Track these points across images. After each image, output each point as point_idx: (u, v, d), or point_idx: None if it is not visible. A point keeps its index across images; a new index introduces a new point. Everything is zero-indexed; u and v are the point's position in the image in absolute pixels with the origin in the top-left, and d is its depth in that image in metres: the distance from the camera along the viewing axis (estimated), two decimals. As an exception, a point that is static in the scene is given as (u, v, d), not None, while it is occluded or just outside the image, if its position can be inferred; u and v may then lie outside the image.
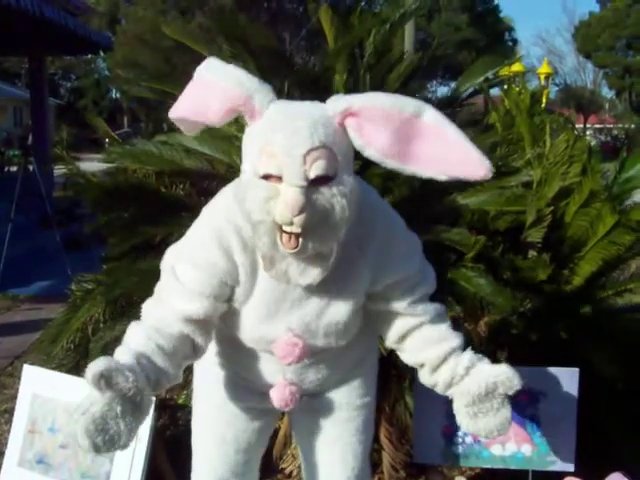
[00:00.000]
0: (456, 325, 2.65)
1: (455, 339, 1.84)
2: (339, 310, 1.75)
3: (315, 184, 1.52)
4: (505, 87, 3.87)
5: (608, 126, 41.74)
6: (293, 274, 1.64)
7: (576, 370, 2.39)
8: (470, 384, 1.78)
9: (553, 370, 2.44)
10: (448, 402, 2.40)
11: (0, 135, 22.34)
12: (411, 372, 2.51)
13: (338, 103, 1.59)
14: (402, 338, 1.85)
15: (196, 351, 1.77)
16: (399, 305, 1.80)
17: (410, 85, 3.10)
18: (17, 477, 3.00)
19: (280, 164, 1.51)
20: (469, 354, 1.82)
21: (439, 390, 1.87)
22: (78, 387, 2.94)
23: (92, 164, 3.48)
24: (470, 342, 2.69)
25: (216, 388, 2.00)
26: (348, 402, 2.00)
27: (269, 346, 1.79)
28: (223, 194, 1.79)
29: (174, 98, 3.26)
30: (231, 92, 1.60)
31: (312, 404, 1.98)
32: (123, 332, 3.00)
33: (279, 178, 1.52)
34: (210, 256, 1.70)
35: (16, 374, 3.61)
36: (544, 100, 3.80)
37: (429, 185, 2.83)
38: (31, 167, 8.45)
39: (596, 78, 44.34)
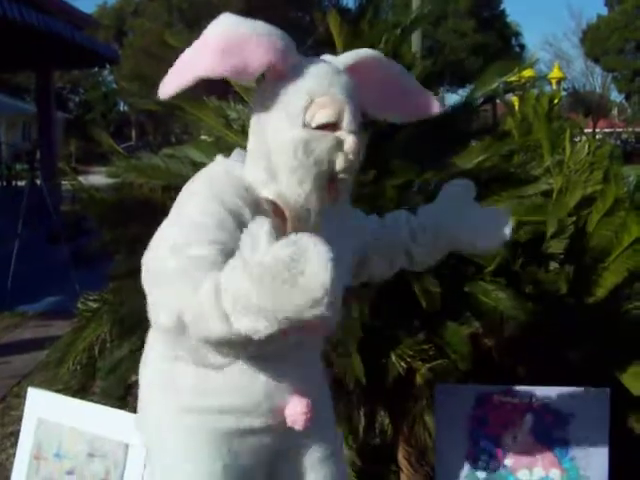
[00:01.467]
0: (475, 341, 2.59)
1: (402, 213, 2.08)
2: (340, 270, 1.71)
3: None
4: (520, 92, 3.78)
5: (618, 130, 41.64)
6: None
7: (607, 390, 2.29)
8: (439, 214, 2.07)
9: (582, 390, 2.34)
10: (471, 424, 2.33)
11: (8, 150, 22.42)
12: (430, 391, 2.42)
13: (343, 60, 1.69)
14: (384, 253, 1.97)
15: None
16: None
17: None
18: (23, 504, 2.91)
19: (339, 113, 1.57)
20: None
21: (434, 249, 2.07)
22: (84, 411, 2.86)
23: (101, 178, 3.41)
24: (491, 360, 2.63)
25: (199, 447, 1.69)
26: (329, 428, 1.91)
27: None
28: (206, 175, 1.68)
29: (180, 110, 3.21)
30: (274, 45, 1.57)
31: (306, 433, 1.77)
32: (130, 351, 2.96)
33: (333, 127, 1.57)
34: (224, 227, 1.53)
35: (23, 395, 3.51)
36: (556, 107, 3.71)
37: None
38: (39, 182, 8.42)
39: (605, 82, 44.26)
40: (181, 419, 1.71)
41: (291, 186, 1.57)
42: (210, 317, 1.38)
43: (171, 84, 1.63)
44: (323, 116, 1.55)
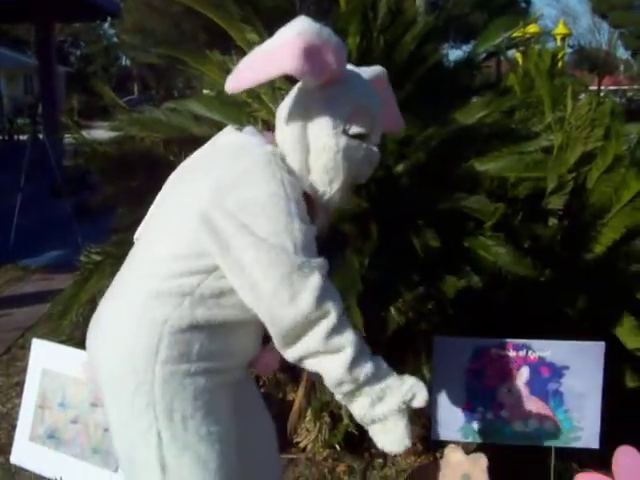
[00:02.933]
0: (473, 295, 2.61)
1: None
2: None
3: None
4: (523, 48, 3.75)
5: (623, 88, 41.17)
6: (322, 224, 1.81)
7: (602, 344, 2.31)
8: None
9: (577, 344, 2.37)
10: (468, 377, 2.37)
11: (10, 104, 22.28)
12: (428, 345, 2.45)
13: (366, 73, 1.83)
14: None
15: None
16: None
17: (425, 47, 2.99)
18: (29, 452, 2.98)
19: (371, 125, 1.73)
20: None
21: None
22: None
23: (103, 132, 3.41)
24: (488, 314, 2.66)
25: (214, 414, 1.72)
26: None
27: None
28: (260, 158, 1.66)
29: (183, 64, 3.20)
30: (343, 53, 1.69)
31: None
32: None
33: (363, 138, 1.72)
34: (301, 206, 1.66)
35: (27, 346, 3.56)
36: (561, 63, 3.66)
37: (446, 151, 2.76)
38: (41, 136, 8.39)
39: (611, 38, 43.65)
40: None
41: (322, 183, 1.71)
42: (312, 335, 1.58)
43: (246, 79, 1.69)
44: (361, 126, 1.70)
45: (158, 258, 1.69)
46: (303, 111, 1.71)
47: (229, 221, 1.59)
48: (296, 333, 1.57)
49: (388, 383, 1.62)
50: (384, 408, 1.62)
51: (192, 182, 1.72)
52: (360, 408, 1.63)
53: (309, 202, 1.72)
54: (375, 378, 1.60)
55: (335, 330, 1.56)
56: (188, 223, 1.65)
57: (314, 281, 1.55)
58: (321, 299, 1.55)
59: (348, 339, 1.58)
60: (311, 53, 1.58)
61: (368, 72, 1.84)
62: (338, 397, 1.66)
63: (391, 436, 1.64)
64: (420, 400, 1.63)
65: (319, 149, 1.69)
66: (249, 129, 1.80)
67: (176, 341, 1.64)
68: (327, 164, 1.69)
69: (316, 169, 1.70)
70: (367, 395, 1.61)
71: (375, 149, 1.75)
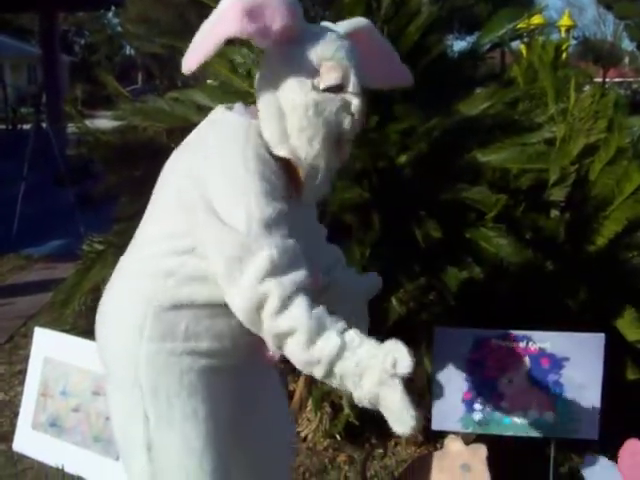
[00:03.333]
0: (475, 286, 2.62)
1: (341, 258, 2.04)
2: (321, 236, 1.93)
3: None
4: (527, 40, 3.74)
5: (628, 80, 41.00)
6: (310, 190, 1.72)
7: (602, 335, 2.31)
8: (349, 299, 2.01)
9: (578, 335, 2.36)
10: (468, 367, 2.37)
11: (13, 93, 22.27)
12: (429, 335, 2.46)
13: (342, 27, 1.76)
14: None
15: None
16: None
17: (429, 38, 2.98)
18: (31, 439, 3.00)
19: (344, 76, 1.64)
20: (349, 271, 2.05)
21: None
22: (89, 350, 2.91)
23: (107, 121, 3.41)
24: (490, 305, 2.66)
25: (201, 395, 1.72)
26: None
27: None
28: (231, 132, 1.68)
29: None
30: (292, 8, 1.64)
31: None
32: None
33: (339, 90, 1.64)
34: (271, 182, 1.61)
35: (30, 335, 3.58)
36: (565, 55, 3.66)
37: (448, 142, 2.76)
38: (44, 125, 8.40)
39: (617, 30, 43.46)
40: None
41: (302, 145, 1.65)
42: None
43: (193, 58, 1.67)
44: (331, 79, 1.63)
45: (145, 239, 1.73)
46: (271, 75, 1.69)
47: (197, 199, 1.59)
48: (251, 317, 1.53)
49: (361, 356, 1.51)
50: (368, 385, 1.51)
51: (174, 161, 1.74)
52: (351, 390, 1.54)
53: (293, 174, 1.68)
54: (344, 354, 1.50)
55: (278, 312, 1.49)
56: (170, 202, 1.67)
57: (258, 262, 1.49)
58: (262, 280, 1.49)
59: (296, 319, 1.49)
60: (253, 13, 1.57)
61: (345, 25, 1.78)
62: (333, 384, 1.57)
63: (392, 415, 1.53)
64: (403, 365, 1.51)
65: (290, 110, 1.65)
66: (237, 106, 1.77)
67: (161, 320, 1.65)
68: (301, 123, 1.63)
69: (293, 132, 1.64)
70: (347, 375, 1.51)
71: (354, 98, 1.65)
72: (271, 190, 1.58)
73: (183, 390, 1.67)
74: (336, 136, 1.66)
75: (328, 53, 1.64)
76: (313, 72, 1.63)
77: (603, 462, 2.32)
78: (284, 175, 1.66)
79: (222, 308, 1.63)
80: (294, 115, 1.64)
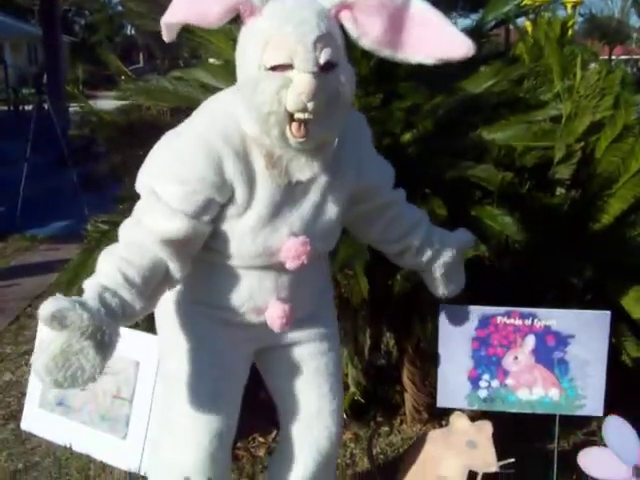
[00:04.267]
0: (481, 265, 2.62)
1: (424, 217, 2.07)
2: (331, 208, 1.82)
3: (323, 70, 1.57)
4: (533, 17, 3.71)
5: (635, 57, 40.70)
6: (294, 170, 1.70)
7: (607, 313, 2.31)
8: (445, 255, 2.06)
9: (583, 313, 2.37)
10: (474, 345, 2.38)
11: (14, 73, 22.19)
12: (435, 313, 2.46)
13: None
14: (384, 231, 2.01)
15: (169, 280, 1.72)
16: (378, 200, 1.96)
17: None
18: (39, 418, 3.02)
19: (291, 53, 1.56)
20: (436, 229, 2.09)
21: (419, 268, 2.11)
22: (96, 330, 2.92)
23: (109, 102, 3.40)
24: (495, 283, 2.66)
25: (194, 331, 1.89)
26: (324, 332, 2.01)
27: (272, 258, 1.76)
28: (205, 110, 1.78)
29: (189, 32, 3.18)
30: None
31: (295, 335, 1.96)
32: (140, 274, 3.00)
33: (288, 68, 1.57)
34: (198, 170, 1.65)
35: (35, 315, 3.56)
36: (571, 32, 3.63)
37: (453, 119, 2.75)
38: (46, 106, 8.37)
39: (624, 6, 43.05)
40: (177, 306, 1.90)
41: (251, 125, 1.65)
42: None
43: (169, 17, 1.74)
44: (273, 57, 1.57)
45: None
46: (238, 51, 1.69)
47: None
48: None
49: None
50: None
51: None
52: None
53: (269, 152, 1.67)
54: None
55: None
56: None
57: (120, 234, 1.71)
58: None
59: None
60: None
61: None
62: None
63: None
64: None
65: (243, 85, 1.64)
66: (233, 87, 1.78)
67: None
68: (246, 102, 1.62)
69: (251, 107, 1.62)
70: None
71: (301, 75, 1.54)
72: (218, 169, 1.65)
73: (173, 325, 1.91)
74: (282, 116, 1.57)
75: (272, 29, 1.58)
76: (261, 49, 1.59)
77: (621, 422, 2.30)
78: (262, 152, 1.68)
79: (215, 267, 1.81)
80: (245, 90, 1.63)
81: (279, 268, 1.79)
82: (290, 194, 1.74)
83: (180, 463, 1.89)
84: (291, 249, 1.74)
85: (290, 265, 1.75)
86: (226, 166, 1.66)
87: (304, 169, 1.70)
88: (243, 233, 1.73)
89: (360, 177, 1.86)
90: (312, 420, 2.02)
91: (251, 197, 1.70)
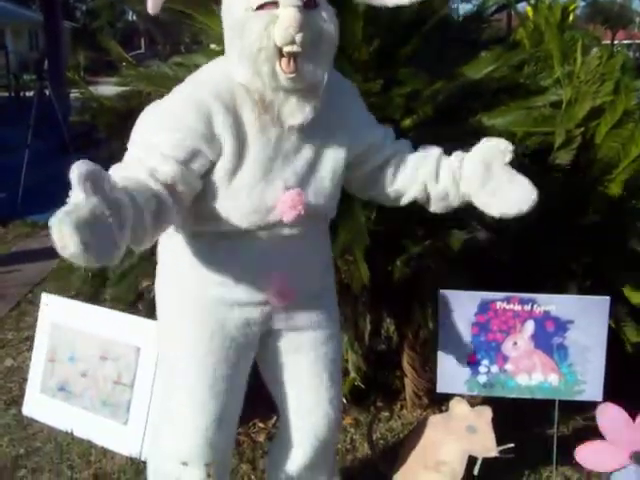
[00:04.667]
0: (480, 250, 2.62)
1: (434, 148, 2.01)
2: (325, 166, 1.83)
3: (306, 7, 1.62)
4: (533, 2, 3.69)
5: (637, 42, 40.44)
6: (286, 115, 1.71)
7: (607, 298, 2.32)
8: (468, 166, 1.91)
9: (583, 298, 2.38)
10: (473, 330, 2.39)
11: (15, 59, 22.13)
12: (435, 299, 2.47)
13: None
14: (394, 180, 1.97)
15: (164, 213, 1.61)
16: (379, 157, 1.94)
17: (434, 1, 2.95)
18: (40, 404, 3.04)
19: None
20: (456, 153, 1.99)
21: (452, 194, 1.95)
22: (96, 316, 2.94)
23: (110, 88, 3.40)
24: (495, 269, 2.66)
25: (194, 315, 1.88)
26: (326, 319, 2.01)
27: (269, 214, 1.75)
28: (191, 77, 1.81)
29: (189, 18, 3.17)
30: None
31: (296, 318, 1.96)
32: (141, 259, 3.00)
33: (273, 6, 1.61)
34: (188, 121, 1.67)
35: (36, 302, 3.60)
36: (572, 16, 3.61)
37: (453, 105, 2.74)
38: (47, 92, 8.36)
39: (627, -10, 42.83)
40: (175, 289, 1.92)
41: (240, 68, 1.67)
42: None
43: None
44: None
45: None
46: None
47: None
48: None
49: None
50: None
51: None
52: None
53: (260, 97, 1.69)
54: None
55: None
56: None
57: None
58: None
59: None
60: None
61: None
62: None
63: None
64: None
65: (232, 29, 1.68)
66: None
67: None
68: (243, 40, 1.64)
69: (240, 49, 1.65)
70: None
71: (286, 10, 1.59)
72: (177, 124, 1.67)
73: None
74: (271, 52, 1.61)
75: None
76: None
77: (616, 410, 2.31)
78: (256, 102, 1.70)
79: (212, 236, 1.82)
80: (229, 38, 1.69)
81: (278, 236, 1.79)
82: (282, 149, 1.76)
83: (178, 449, 1.90)
84: (287, 200, 1.74)
85: (287, 218, 1.75)
86: (216, 120, 1.68)
87: (295, 113, 1.71)
88: (238, 189, 1.73)
89: (354, 140, 1.88)
90: (311, 408, 2.03)
91: (242, 152, 1.72)
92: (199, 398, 1.88)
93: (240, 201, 1.74)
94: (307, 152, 1.80)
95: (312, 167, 1.81)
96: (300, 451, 2.07)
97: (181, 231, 1.85)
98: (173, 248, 1.90)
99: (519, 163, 2.72)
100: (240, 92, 1.71)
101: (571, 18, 3.67)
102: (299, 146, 1.78)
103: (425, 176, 1.94)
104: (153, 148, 1.65)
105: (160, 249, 1.97)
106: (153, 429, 2.31)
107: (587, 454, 2.34)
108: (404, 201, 2.01)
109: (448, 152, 2.62)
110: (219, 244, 1.82)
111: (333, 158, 1.84)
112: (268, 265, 1.83)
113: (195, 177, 1.69)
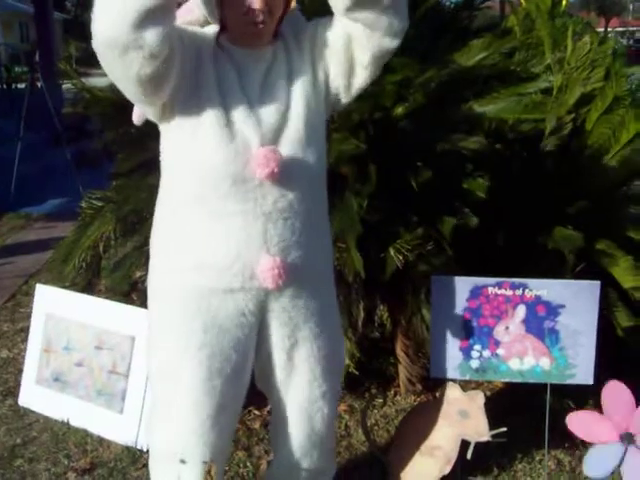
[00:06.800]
0: (472, 236, 2.64)
1: None
2: (298, 102, 1.79)
3: None
4: (525, -11, 3.70)
5: (631, 29, 40.42)
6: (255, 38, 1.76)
7: (597, 283, 2.34)
8: None
9: (573, 282, 2.39)
10: (465, 315, 2.40)
11: (6, 51, 22.02)
12: (427, 285, 2.48)
13: None
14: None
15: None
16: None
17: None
18: (35, 394, 3.04)
19: None
20: None
21: None
22: (91, 306, 2.95)
23: (102, 79, 3.38)
24: (486, 254, 2.68)
25: (185, 307, 1.84)
26: (323, 310, 1.95)
27: (245, 168, 1.71)
28: None
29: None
30: None
31: (292, 306, 1.89)
32: (134, 249, 3.01)
33: None
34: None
35: (31, 293, 3.62)
36: (564, 3, 3.61)
37: (444, 92, 2.76)
38: (39, 84, 8.33)
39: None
40: (165, 279, 1.87)
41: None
42: None
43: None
44: None
45: None
46: None
47: None
48: None
49: None
50: None
51: None
52: None
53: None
54: None
55: None
56: None
57: None
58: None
59: None
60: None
61: None
62: None
63: None
64: None
65: None
66: None
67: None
68: None
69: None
70: None
71: None
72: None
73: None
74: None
75: None
76: None
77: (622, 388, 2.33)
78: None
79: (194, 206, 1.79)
80: None
81: (266, 209, 1.75)
82: (248, 86, 1.76)
83: (172, 447, 1.88)
84: (259, 156, 1.70)
85: (260, 175, 1.70)
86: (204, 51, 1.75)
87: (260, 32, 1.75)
88: (204, 138, 1.72)
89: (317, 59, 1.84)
90: (304, 404, 2.00)
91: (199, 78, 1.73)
92: (192, 394, 1.84)
93: (212, 157, 1.71)
94: (277, 92, 1.78)
95: (284, 110, 1.77)
96: (296, 444, 2.05)
97: (168, 208, 1.84)
98: (162, 237, 1.87)
99: (510, 150, 2.77)
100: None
101: (563, 4, 3.68)
102: (265, 86, 1.78)
103: None
104: None
105: (151, 241, 1.94)
106: (146, 425, 2.29)
107: (579, 422, 2.36)
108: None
109: (439, 139, 2.65)
110: (199, 222, 1.77)
111: (304, 84, 1.80)
112: (256, 246, 1.76)
113: (177, 52, 1.66)
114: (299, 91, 1.80)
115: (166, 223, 1.86)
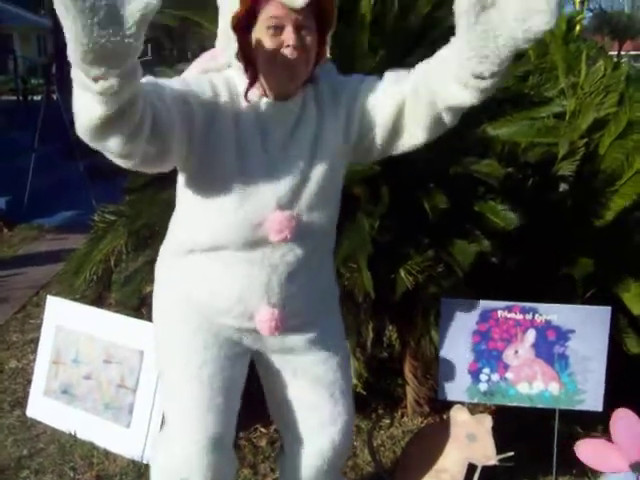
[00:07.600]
0: (483, 259, 2.63)
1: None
2: (322, 159, 1.73)
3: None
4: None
5: (645, 53, 40.33)
6: (279, 85, 1.67)
7: (608, 308, 2.33)
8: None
9: (584, 308, 2.39)
10: (475, 338, 2.40)
11: (23, 64, 22.20)
12: (436, 306, 2.48)
13: None
14: (416, 92, 1.74)
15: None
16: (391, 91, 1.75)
17: (439, 11, 2.96)
18: (43, 406, 3.05)
19: None
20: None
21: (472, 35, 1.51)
22: (100, 319, 2.96)
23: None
24: (497, 278, 2.68)
25: (187, 334, 1.85)
26: (324, 339, 1.93)
27: (259, 229, 1.69)
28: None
29: (197, 25, 3.19)
30: None
31: (290, 341, 1.89)
32: (145, 263, 3.02)
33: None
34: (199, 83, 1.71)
35: (42, 304, 3.63)
36: (578, 27, 3.63)
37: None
38: (55, 96, 8.38)
39: (634, 1, 42.83)
40: (171, 303, 1.88)
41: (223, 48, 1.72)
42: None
43: None
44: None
45: None
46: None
47: None
48: None
49: None
50: None
51: None
52: None
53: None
54: None
55: None
56: None
57: None
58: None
59: None
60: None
61: None
62: None
63: None
64: None
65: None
66: None
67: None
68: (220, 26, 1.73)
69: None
70: None
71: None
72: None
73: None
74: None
75: None
76: None
77: (632, 416, 2.32)
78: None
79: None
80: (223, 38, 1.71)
81: (272, 261, 1.73)
82: (270, 158, 1.69)
83: (171, 467, 1.89)
84: (275, 221, 1.68)
85: (274, 238, 1.69)
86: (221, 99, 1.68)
87: (283, 82, 1.67)
88: (224, 195, 1.68)
89: (350, 107, 1.74)
90: (314, 431, 1.99)
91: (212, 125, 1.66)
92: (191, 416, 1.84)
93: (227, 215, 1.69)
94: (297, 164, 1.71)
95: (305, 175, 1.71)
96: (307, 472, 2.04)
97: (178, 248, 1.83)
98: (169, 265, 1.88)
99: (522, 174, 2.77)
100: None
101: (577, 29, 3.69)
102: (288, 158, 1.71)
103: (448, 57, 1.63)
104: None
105: (157, 264, 1.95)
106: (153, 441, 2.29)
107: (588, 450, 2.35)
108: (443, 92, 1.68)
109: (452, 162, 2.66)
110: (207, 263, 1.77)
111: (328, 152, 1.74)
112: (258, 295, 1.76)
113: (184, 119, 1.62)
114: (325, 147, 1.74)
115: (174, 257, 1.86)
